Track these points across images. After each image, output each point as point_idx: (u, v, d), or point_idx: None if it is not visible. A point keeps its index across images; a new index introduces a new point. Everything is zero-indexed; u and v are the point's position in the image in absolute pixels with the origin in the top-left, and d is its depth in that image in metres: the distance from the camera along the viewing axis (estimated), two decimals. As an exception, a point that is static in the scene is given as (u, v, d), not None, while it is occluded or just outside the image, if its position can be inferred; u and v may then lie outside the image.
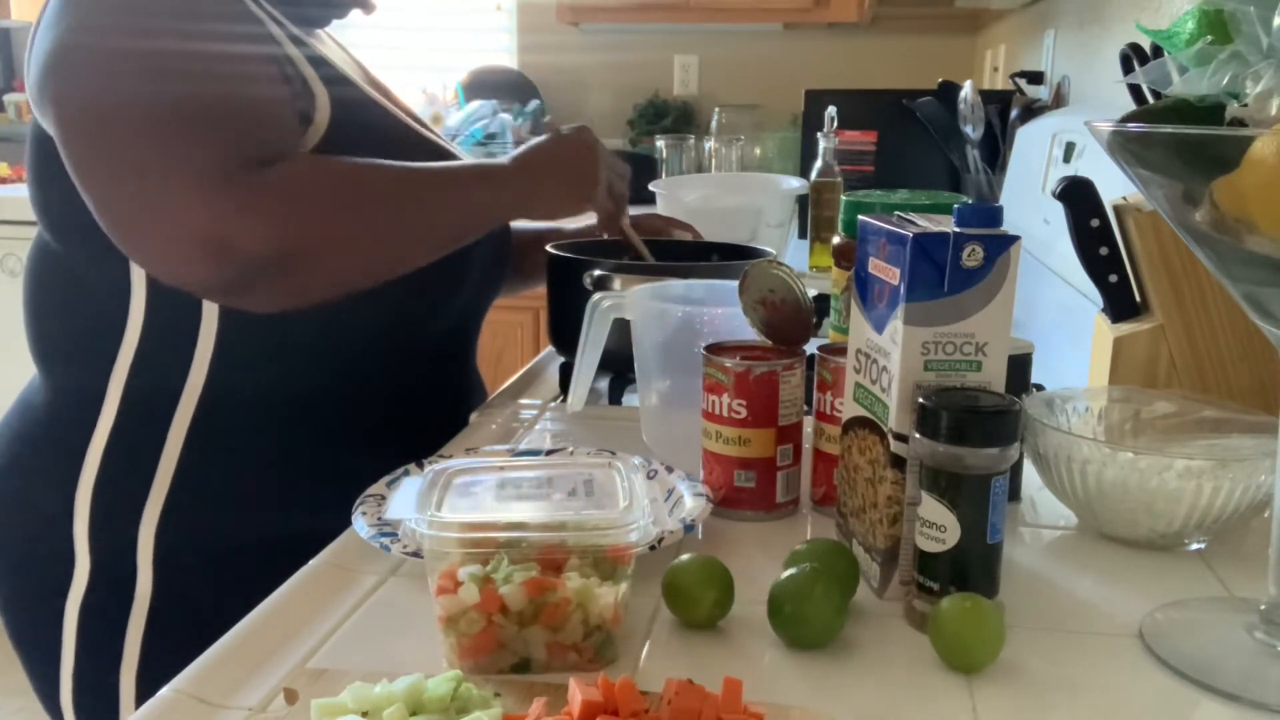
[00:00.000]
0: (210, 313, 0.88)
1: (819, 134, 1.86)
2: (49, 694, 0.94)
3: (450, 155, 1.03)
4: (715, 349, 0.79)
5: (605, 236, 1.11)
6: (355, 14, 1.03)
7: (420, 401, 1.01)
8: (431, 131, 1.07)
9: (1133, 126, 0.55)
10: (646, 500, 0.60)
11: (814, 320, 0.80)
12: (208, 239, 0.77)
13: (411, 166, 0.89)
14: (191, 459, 0.89)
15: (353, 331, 0.92)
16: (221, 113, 0.80)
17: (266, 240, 0.78)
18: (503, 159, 0.98)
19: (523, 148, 0.99)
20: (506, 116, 3.18)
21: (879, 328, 0.66)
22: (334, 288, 0.85)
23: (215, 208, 0.77)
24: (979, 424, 0.59)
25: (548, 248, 1.11)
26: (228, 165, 0.77)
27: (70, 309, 0.91)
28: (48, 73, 0.81)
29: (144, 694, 0.88)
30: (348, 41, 1.12)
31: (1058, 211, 0.91)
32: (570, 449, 0.84)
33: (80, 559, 0.89)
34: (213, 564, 0.90)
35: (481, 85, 3.40)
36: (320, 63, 0.92)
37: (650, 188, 1.78)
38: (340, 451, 0.93)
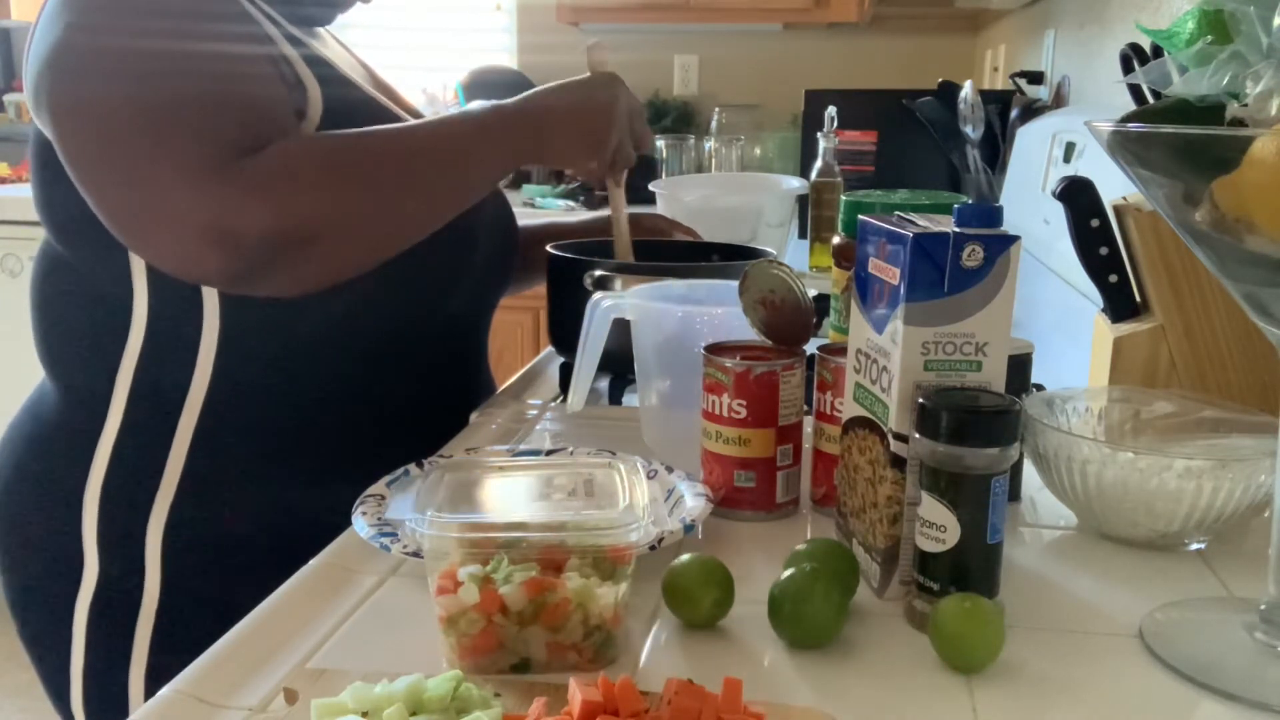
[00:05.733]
0: (211, 311, 0.87)
1: (819, 134, 1.87)
2: (60, 693, 0.94)
3: None
4: (715, 349, 0.79)
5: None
6: (355, 13, 1.02)
7: (429, 403, 1.01)
8: None
9: (1133, 126, 0.55)
10: (646, 500, 0.60)
11: (814, 320, 0.80)
12: (208, 230, 0.77)
13: (408, 130, 0.88)
14: (199, 458, 0.89)
15: (353, 330, 0.92)
16: (214, 105, 0.81)
17: (266, 223, 0.78)
18: (512, 101, 0.94)
19: (542, 89, 0.96)
20: (506, 116, 3.18)
21: (879, 328, 0.66)
22: (343, 266, 0.85)
23: (211, 198, 0.77)
24: (979, 424, 0.59)
25: (548, 248, 1.10)
26: (221, 155, 0.78)
27: (75, 311, 0.91)
28: (43, 73, 0.81)
29: (153, 692, 0.89)
30: (350, 42, 1.12)
31: (1058, 211, 0.91)
32: (570, 449, 0.84)
33: (89, 559, 0.89)
34: (220, 562, 0.90)
35: (481, 85, 3.40)
36: (317, 62, 0.91)
37: (650, 188, 1.78)
38: (347, 450, 0.93)
